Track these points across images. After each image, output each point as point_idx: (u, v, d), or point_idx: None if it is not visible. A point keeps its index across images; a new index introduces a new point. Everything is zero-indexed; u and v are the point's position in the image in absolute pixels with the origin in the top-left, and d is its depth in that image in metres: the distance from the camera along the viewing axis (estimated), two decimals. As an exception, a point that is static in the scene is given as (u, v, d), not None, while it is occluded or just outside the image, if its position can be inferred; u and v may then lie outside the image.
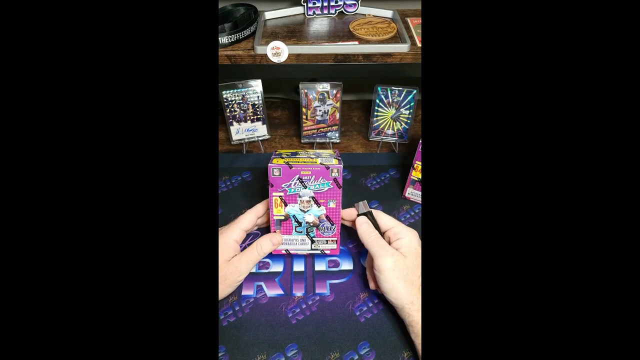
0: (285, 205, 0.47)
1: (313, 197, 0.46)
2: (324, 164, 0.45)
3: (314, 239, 0.49)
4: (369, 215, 0.47)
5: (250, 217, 0.49)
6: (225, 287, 0.45)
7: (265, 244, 0.47)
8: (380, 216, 0.47)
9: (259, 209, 0.50)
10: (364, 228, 0.46)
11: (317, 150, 0.50)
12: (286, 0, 0.68)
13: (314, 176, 0.45)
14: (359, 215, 0.47)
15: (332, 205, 0.47)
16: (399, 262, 0.42)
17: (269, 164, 0.45)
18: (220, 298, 0.46)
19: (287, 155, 0.47)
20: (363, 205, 0.48)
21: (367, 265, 0.49)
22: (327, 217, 0.48)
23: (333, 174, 0.45)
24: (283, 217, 0.47)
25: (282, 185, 0.46)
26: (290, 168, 0.45)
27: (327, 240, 0.49)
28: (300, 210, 0.47)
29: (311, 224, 0.48)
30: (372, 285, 0.47)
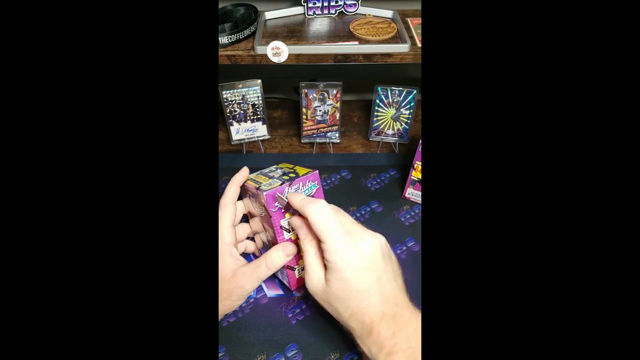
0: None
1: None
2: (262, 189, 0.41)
3: None
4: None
5: (232, 205, 0.44)
6: (226, 305, 0.41)
7: (277, 257, 0.41)
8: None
9: (238, 178, 0.45)
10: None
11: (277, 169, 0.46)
12: (286, 0, 0.68)
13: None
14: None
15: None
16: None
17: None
18: (220, 316, 0.42)
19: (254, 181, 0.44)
20: (279, 198, 0.41)
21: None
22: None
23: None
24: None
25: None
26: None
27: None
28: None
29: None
30: None
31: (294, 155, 0.69)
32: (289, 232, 0.43)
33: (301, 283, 0.45)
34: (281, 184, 0.41)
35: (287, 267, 0.44)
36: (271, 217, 0.41)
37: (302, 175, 0.43)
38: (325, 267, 0.36)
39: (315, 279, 0.37)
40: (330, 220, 0.35)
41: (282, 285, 0.50)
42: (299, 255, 0.43)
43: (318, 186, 0.44)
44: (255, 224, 0.48)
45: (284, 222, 0.42)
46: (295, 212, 0.40)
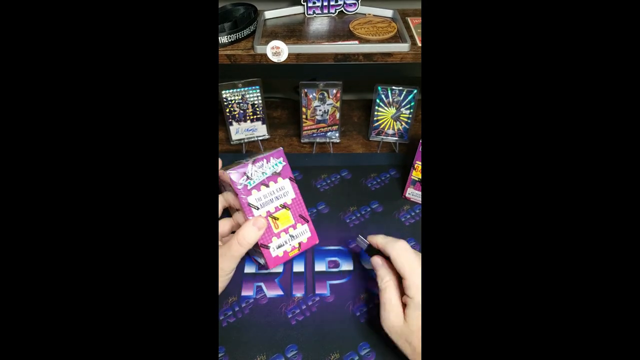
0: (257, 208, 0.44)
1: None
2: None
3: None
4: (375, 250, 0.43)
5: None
6: None
7: (248, 232, 0.39)
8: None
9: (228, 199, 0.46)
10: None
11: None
12: (286, -1, 0.68)
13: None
14: (369, 252, 0.44)
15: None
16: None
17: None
18: None
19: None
20: (361, 241, 0.44)
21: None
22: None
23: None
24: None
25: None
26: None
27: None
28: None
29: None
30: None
31: (294, 155, 0.69)
32: (258, 210, 0.43)
33: (279, 261, 0.46)
34: (244, 163, 0.43)
35: (262, 246, 0.44)
36: (237, 195, 0.42)
37: (266, 153, 0.45)
38: (404, 304, 0.37)
39: (392, 316, 0.37)
40: (412, 257, 0.37)
41: (281, 285, 0.50)
42: (272, 232, 0.45)
43: (284, 163, 0.45)
44: (238, 216, 0.48)
45: (251, 199, 0.43)
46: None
